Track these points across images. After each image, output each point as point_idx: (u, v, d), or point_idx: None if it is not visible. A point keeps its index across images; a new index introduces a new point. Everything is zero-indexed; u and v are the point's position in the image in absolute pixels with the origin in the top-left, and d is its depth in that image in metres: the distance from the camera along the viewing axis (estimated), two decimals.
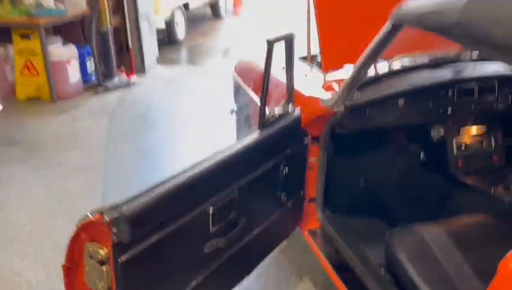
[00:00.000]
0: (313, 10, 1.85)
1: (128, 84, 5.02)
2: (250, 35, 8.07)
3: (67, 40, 4.78)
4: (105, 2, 4.72)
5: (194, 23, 8.46)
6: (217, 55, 6.89)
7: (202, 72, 5.88)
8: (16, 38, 4.30)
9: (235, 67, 2.96)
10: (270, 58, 1.42)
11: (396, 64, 2.00)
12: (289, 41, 1.50)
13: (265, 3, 11.25)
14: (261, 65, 1.98)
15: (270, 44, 1.41)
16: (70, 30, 5.00)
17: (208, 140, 3.46)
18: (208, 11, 9.13)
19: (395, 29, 1.39)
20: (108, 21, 4.78)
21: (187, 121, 4.15)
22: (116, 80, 4.96)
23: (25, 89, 4.49)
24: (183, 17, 7.31)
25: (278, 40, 1.42)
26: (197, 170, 1.25)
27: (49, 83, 4.40)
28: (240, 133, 2.68)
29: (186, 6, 7.42)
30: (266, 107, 1.53)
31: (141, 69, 5.47)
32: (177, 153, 3.48)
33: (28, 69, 4.39)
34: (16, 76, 4.51)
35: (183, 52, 7.01)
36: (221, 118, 3.28)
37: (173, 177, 1.19)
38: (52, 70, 4.38)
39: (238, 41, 7.88)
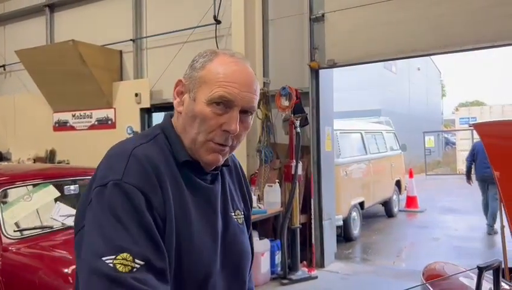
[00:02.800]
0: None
1: (309, 278, 5.38)
2: (422, 235, 8.08)
3: (261, 234, 5.55)
4: (297, 203, 5.50)
5: (367, 220, 8.89)
6: (390, 254, 6.99)
7: (376, 271, 5.99)
8: None
9: (423, 273, 3.09)
10: (480, 284, 1.62)
11: None
12: (496, 268, 1.70)
13: (439, 203, 11.30)
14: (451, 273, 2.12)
15: (481, 270, 1.62)
16: (264, 225, 5.81)
17: None
18: (381, 209, 9.54)
19: None
20: (298, 220, 5.48)
21: None
22: (299, 273, 5.40)
23: None
24: (358, 215, 7.82)
25: (488, 267, 1.64)
26: None
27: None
28: None
29: (361, 205, 7.98)
30: None
31: (321, 264, 5.85)
32: None
33: None
34: None
35: (358, 249, 7.29)
36: None
37: None
38: None
39: (412, 241, 7.91)
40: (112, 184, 1.00)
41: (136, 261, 0.95)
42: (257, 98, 1.14)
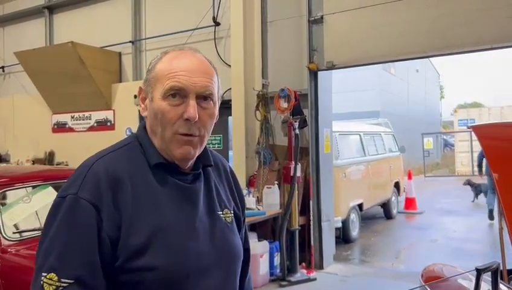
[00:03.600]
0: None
1: (308, 280, 5.38)
2: (421, 237, 8.08)
3: (260, 236, 5.55)
4: (296, 205, 5.51)
5: (366, 222, 8.90)
6: (389, 255, 6.99)
7: (375, 273, 6.00)
8: None
9: (422, 275, 3.09)
10: (479, 286, 1.63)
11: None
12: (495, 270, 1.70)
13: (438, 205, 11.30)
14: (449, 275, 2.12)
15: (479, 272, 1.63)
16: (262, 227, 5.81)
17: None
18: (380, 210, 9.55)
19: None
20: (297, 221, 5.49)
21: None
22: (298, 274, 5.40)
23: None
24: (357, 217, 7.82)
25: (486, 269, 1.64)
26: None
27: None
28: None
29: (360, 206, 7.98)
30: None
31: (319, 266, 5.85)
32: None
33: None
34: None
35: (357, 251, 7.29)
36: None
37: None
38: None
39: (410, 243, 7.91)
40: (69, 198, 1.05)
41: (63, 280, 0.99)
42: (214, 84, 1.15)
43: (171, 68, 1.12)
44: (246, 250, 1.34)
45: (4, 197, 3.44)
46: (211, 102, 1.15)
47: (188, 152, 1.13)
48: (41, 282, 1.00)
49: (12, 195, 3.50)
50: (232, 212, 1.27)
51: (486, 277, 1.71)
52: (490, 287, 1.72)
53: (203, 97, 1.13)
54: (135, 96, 7.18)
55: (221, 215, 1.22)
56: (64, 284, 0.99)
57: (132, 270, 1.04)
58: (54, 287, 0.99)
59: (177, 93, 1.10)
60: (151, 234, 1.06)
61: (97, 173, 1.07)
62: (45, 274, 1.00)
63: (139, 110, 7.18)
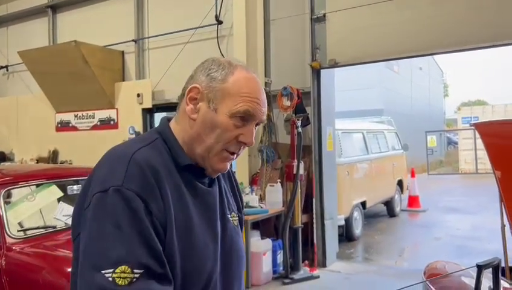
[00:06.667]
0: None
1: (311, 277, 5.40)
2: (424, 235, 8.08)
3: (262, 234, 5.56)
4: (299, 203, 5.52)
5: (369, 220, 8.90)
6: (392, 253, 7.00)
7: (378, 271, 6.00)
8: None
9: (424, 272, 3.10)
10: (480, 282, 1.63)
11: None
12: (496, 266, 1.70)
13: (441, 203, 11.29)
14: (450, 271, 2.13)
15: (480, 269, 1.63)
16: (265, 225, 5.82)
17: None
18: (383, 208, 9.54)
19: None
20: (300, 219, 5.50)
21: None
22: (301, 272, 5.41)
23: None
24: (360, 215, 7.82)
25: (487, 266, 1.65)
26: None
27: (247, 271, 5.05)
28: None
29: (363, 204, 7.98)
30: None
31: (322, 264, 5.86)
32: None
33: None
34: None
35: (360, 249, 7.30)
36: None
37: None
38: (251, 260, 5.07)
39: (414, 241, 7.91)
40: (113, 190, 0.99)
41: (135, 271, 0.95)
42: None
43: (248, 91, 1.12)
44: None
45: (9, 196, 3.47)
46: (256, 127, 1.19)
47: (226, 168, 1.18)
48: (110, 278, 0.94)
49: (16, 193, 3.53)
50: (237, 215, 1.30)
51: (488, 274, 1.72)
52: (491, 284, 1.73)
53: (256, 123, 1.16)
54: (138, 95, 7.20)
55: (230, 219, 1.25)
56: (137, 275, 0.95)
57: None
58: (128, 279, 0.94)
59: (245, 117, 1.12)
60: (180, 237, 1.06)
61: (141, 165, 1.03)
62: (111, 270, 0.94)
63: (142, 108, 7.21)
